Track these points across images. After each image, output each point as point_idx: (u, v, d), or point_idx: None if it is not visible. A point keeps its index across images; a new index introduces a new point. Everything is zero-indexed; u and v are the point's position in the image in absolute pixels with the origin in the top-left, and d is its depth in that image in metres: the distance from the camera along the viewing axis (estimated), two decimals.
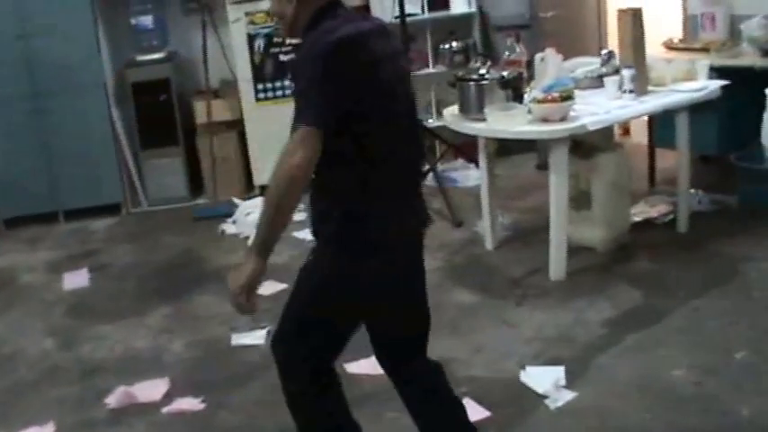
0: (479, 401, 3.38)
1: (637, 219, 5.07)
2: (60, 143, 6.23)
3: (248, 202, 5.97)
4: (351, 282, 2.65)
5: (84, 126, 6.24)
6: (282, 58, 6.21)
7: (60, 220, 6.36)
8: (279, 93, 6.23)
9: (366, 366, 3.55)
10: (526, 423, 3.30)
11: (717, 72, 4.94)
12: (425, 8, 6.55)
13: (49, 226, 6.27)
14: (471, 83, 4.50)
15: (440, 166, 6.13)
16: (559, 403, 3.38)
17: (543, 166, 5.50)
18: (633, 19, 4.55)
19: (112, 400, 3.76)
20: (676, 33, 5.98)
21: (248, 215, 5.68)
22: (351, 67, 2.44)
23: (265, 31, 6.19)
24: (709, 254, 4.58)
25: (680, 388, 3.40)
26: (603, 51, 4.95)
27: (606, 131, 4.66)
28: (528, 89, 4.55)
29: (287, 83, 6.23)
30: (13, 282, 5.36)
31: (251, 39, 6.25)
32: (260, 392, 3.70)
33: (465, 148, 6.06)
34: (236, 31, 6.26)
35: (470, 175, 6.17)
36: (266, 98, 6.30)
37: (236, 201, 6.13)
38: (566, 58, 4.84)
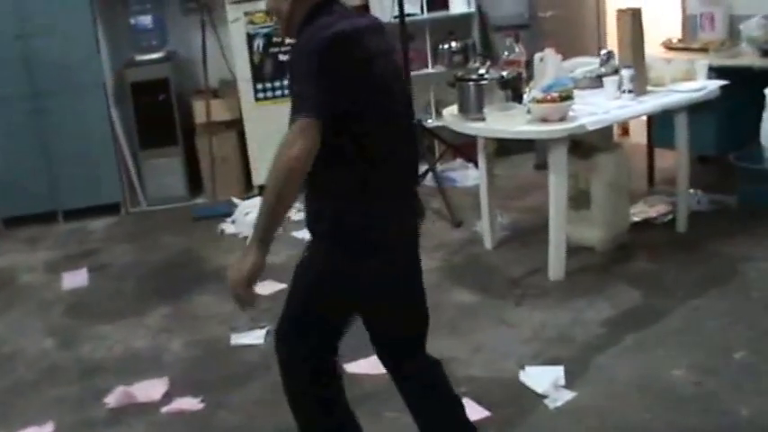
0: (479, 401, 3.38)
1: (636, 219, 5.07)
2: (59, 143, 6.23)
3: (247, 202, 5.98)
4: (351, 281, 2.66)
5: (84, 126, 6.24)
6: (282, 57, 6.20)
7: (59, 219, 6.36)
8: (278, 92, 6.23)
9: (365, 366, 3.56)
10: (525, 423, 3.30)
11: (716, 72, 4.95)
12: (424, 8, 6.55)
13: (48, 226, 6.27)
14: (470, 83, 4.50)
15: (439, 166, 6.13)
16: (559, 403, 3.38)
17: (542, 166, 5.49)
18: (632, 19, 4.55)
19: (112, 400, 3.76)
20: (675, 33, 5.98)
21: (247, 215, 5.67)
22: (346, 62, 2.45)
23: (264, 30, 6.19)
24: (708, 254, 4.59)
25: (679, 388, 3.40)
26: (602, 51, 4.95)
27: (605, 131, 4.66)
28: (527, 89, 4.55)
29: (286, 83, 6.21)
30: (13, 281, 5.36)
31: (250, 38, 6.25)
32: (259, 392, 3.70)
33: (464, 147, 6.06)
34: (236, 30, 6.25)
35: (469, 175, 6.18)
36: (265, 98, 6.30)
37: (236, 200, 6.13)
38: (565, 58, 4.85)
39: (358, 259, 2.63)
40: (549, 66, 4.61)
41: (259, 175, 6.26)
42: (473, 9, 6.60)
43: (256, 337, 4.18)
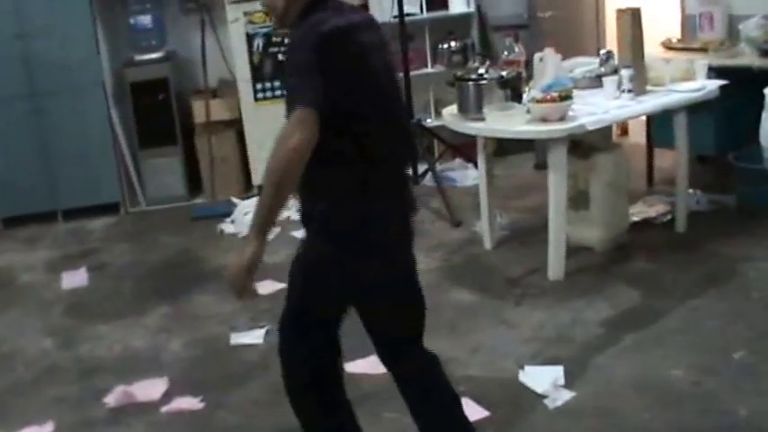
0: (478, 401, 3.38)
1: (635, 219, 5.07)
2: (59, 143, 6.23)
3: (247, 202, 5.98)
4: (352, 281, 2.68)
5: (83, 126, 6.24)
6: (281, 57, 6.20)
7: (59, 219, 6.35)
8: (277, 92, 6.22)
9: (365, 366, 3.56)
10: (525, 423, 3.31)
11: (715, 72, 4.95)
12: (424, 8, 6.55)
13: (47, 225, 6.27)
14: (470, 83, 4.50)
15: (438, 166, 6.14)
16: (558, 403, 3.38)
17: (541, 166, 5.50)
18: (632, 19, 4.55)
19: (111, 400, 3.76)
20: (675, 33, 5.98)
21: (246, 215, 5.67)
22: (343, 56, 2.47)
23: (264, 30, 6.19)
24: (707, 254, 4.59)
25: (678, 388, 3.40)
26: (602, 51, 4.95)
27: (604, 131, 4.66)
28: (527, 89, 4.55)
29: None
30: (12, 281, 5.36)
31: (249, 38, 6.25)
32: (259, 392, 3.70)
33: (463, 147, 6.06)
34: (235, 30, 6.26)
35: (469, 175, 6.18)
36: (265, 98, 6.30)
37: (235, 200, 6.13)
38: (564, 57, 4.85)
39: (359, 259, 2.64)
40: (549, 66, 4.62)
41: (258, 175, 6.25)
42: (472, 9, 6.60)
43: (256, 336, 4.18)
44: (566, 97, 4.27)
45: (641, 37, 4.61)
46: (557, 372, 3.57)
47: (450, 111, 4.75)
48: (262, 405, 3.60)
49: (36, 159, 6.25)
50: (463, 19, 6.66)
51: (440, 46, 6.61)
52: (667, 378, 3.48)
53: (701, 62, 4.90)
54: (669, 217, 5.06)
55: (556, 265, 4.45)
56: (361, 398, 3.23)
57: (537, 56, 4.76)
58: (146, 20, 6.41)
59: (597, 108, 4.42)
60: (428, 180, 6.04)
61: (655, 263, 4.57)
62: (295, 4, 2.58)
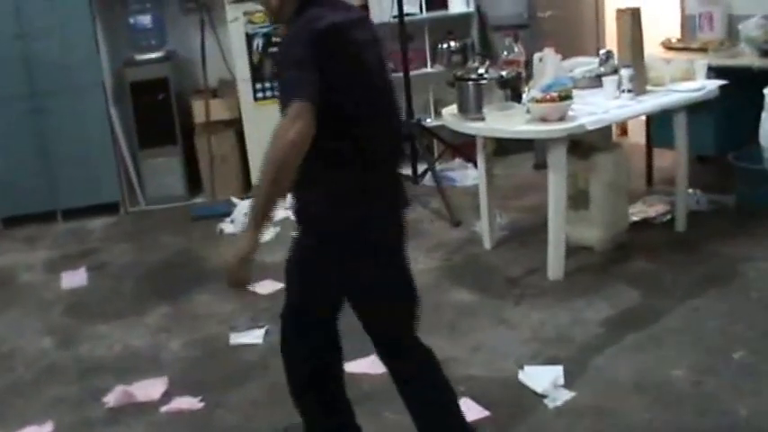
0: (478, 401, 3.38)
1: (635, 218, 5.07)
2: (59, 142, 6.22)
3: (246, 202, 5.97)
4: (352, 281, 2.69)
5: (83, 125, 6.23)
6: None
7: (58, 219, 6.35)
8: (277, 92, 6.20)
9: (365, 366, 3.56)
10: (525, 422, 3.30)
11: (715, 72, 4.95)
12: (423, 8, 6.55)
13: (47, 225, 6.26)
14: (470, 82, 4.50)
15: (438, 166, 6.13)
16: (558, 403, 3.38)
17: (541, 166, 5.50)
18: (632, 19, 4.55)
19: (111, 400, 3.76)
20: (674, 33, 5.98)
21: (246, 214, 5.67)
22: (337, 53, 2.49)
23: (264, 30, 6.19)
24: (707, 254, 4.59)
25: (678, 388, 3.40)
26: (602, 51, 4.95)
27: (604, 131, 4.66)
28: (526, 89, 4.55)
29: None
30: (12, 281, 5.35)
31: (249, 38, 6.25)
32: (258, 392, 3.70)
33: (463, 147, 6.06)
34: (235, 30, 6.25)
35: (468, 175, 6.18)
36: (264, 98, 6.29)
37: (235, 200, 6.13)
38: (564, 57, 4.85)
39: (359, 259, 2.65)
40: (549, 65, 4.62)
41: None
42: (472, 9, 6.60)
43: (255, 336, 4.18)
44: (565, 97, 4.27)
45: (641, 37, 4.61)
46: (556, 371, 3.56)
47: (450, 110, 4.75)
48: (261, 405, 3.60)
49: (36, 159, 6.25)
50: (463, 19, 6.66)
51: (439, 46, 6.61)
52: (667, 378, 3.47)
53: (701, 62, 4.90)
54: (669, 217, 5.06)
55: (555, 265, 4.45)
56: (361, 398, 3.23)
57: (537, 56, 4.76)
58: (145, 19, 6.41)
59: (597, 108, 4.42)
60: (428, 180, 6.04)
61: (654, 263, 4.56)
62: (290, 1, 2.59)
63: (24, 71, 6.09)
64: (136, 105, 6.37)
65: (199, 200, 6.55)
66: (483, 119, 4.39)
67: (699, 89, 4.70)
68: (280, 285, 4.08)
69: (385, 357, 2.88)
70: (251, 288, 4.56)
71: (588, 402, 3.37)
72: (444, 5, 6.60)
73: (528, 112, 4.33)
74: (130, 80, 6.35)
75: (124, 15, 6.44)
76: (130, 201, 6.52)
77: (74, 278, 5.25)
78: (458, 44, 6.58)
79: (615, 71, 4.64)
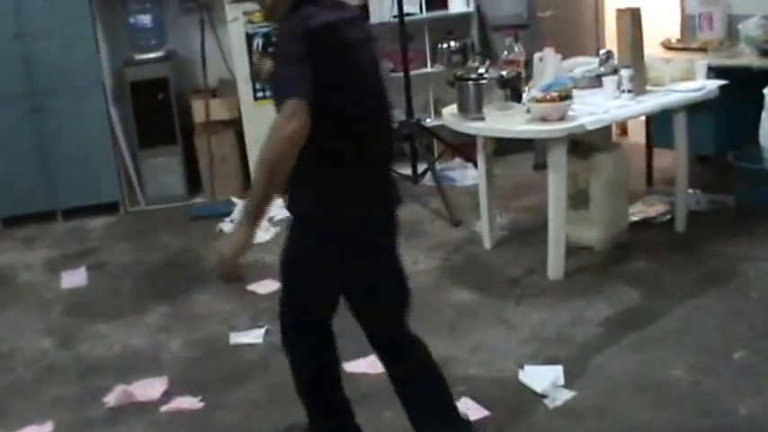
0: (478, 401, 3.38)
1: (634, 218, 5.07)
2: (59, 142, 6.22)
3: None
4: (352, 281, 2.70)
5: (83, 125, 6.23)
6: None
7: (58, 218, 6.35)
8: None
9: (364, 366, 3.56)
10: (525, 422, 3.30)
11: (714, 72, 4.95)
12: (423, 7, 6.54)
13: (47, 225, 6.26)
14: (470, 82, 4.50)
15: (438, 166, 6.13)
16: (558, 403, 3.38)
17: (541, 166, 5.50)
18: (631, 19, 4.55)
19: (111, 399, 3.76)
20: (674, 33, 5.98)
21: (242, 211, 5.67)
22: (331, 51, 2.50)
23: (264, 30, 6.19)
24: (707, 254, 4.59)
25: (678, 388, 3.40)
26: (602, 51, 4.95)
27: (604, 131, 4.66)
28: (526, 89, 4.55)
29: None
30: (12, 280, 5.35)
31: (249, 38, 6.25)
32: (258, 391, 3.70)
33: (463, 147, 6.06)
34: (235, 30, 6.25)
35: (468, 175, 6.18)
36: (264, 97, 6.28)
37: (234, 200, 6.13)
38: (564, 57, 4.85)
39: (360, 259, 2.66)
40: (549, 65, 4.62)
41: None
42: (472, 9, 6.60)
43: (255, 336, 4.18)
44: (565, 97, 4.27)
45: (641, 37, 4.61)
46: (556, 371, 3.56)
47: (450, 110, 4.75)
48: (261, 405, 3.60)
49: (36, 159, 6.25)
50: (463, 19, 6.66)
51: (439, 46, 6.61)
52: (667, 378, 3.48)
53: (701, 62, 4.90)
54: (669, 217, 5.06)
55: (555, 265, 4.45)
56: (360, 398, 3.23)
57: (537, 55, 4.76)
58: (145, 19, 6.41)
59: (597, 108, 4.42)
60: (428, 180, 6.04)
61: (654, 263, 4.56)
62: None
63: (24, 71, 6.09)
64: (136, 105, 6.36)
65: (199, 200, 6.55)
66: (483, 119, 4.39)
67: (699, 89, 4.71)
68: (279, 285, 4.10)
69: (385, 361, 2.90)
70: (251, 288, 4.59)
71: (588, 402, 3.37)
72: (444, 5, 6.60)
73: (528, 111, 4.33)
74: (130, 80, 6.34)
75: (124, 15, 6.44)
76: (130, 200, 6.52)
77: (74, 278, 5.25)
78: (458, 44, 6.58)
79: (615, 71, 4.64)
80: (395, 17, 5.97)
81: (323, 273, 2.69)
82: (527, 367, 3.64)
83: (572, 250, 4.56)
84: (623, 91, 4.52)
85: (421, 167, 6.14)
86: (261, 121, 6.11)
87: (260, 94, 6.30)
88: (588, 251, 4.71)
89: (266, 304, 4.32)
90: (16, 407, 3.81)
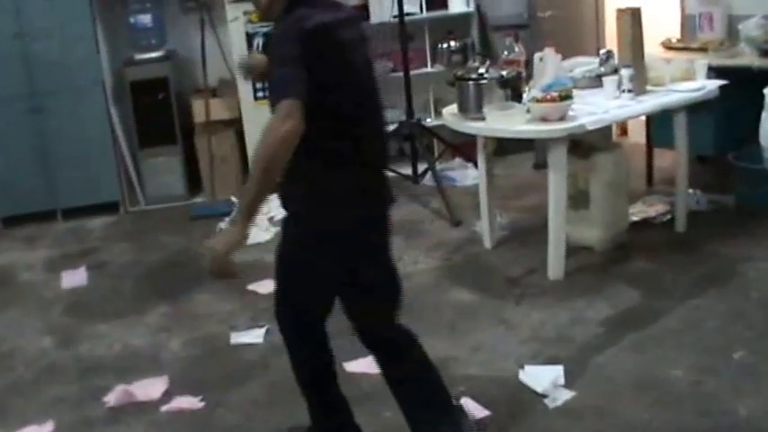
0: (478, 401, 3.38)
1: (635, 218, 5.07)
2: (59, 142, 6.22)
3: None
4: (352, 280, 2.72)
5: (83, 125, 6.23)
6: None
7: (58, 218, 6.35)
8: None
9: (364, 366, 3.56)
10: (525, 422, 3.30)
11: (715, 72, 4.95)
12: (424, 7, 6.54)
13: (47, 224, 6.27)
14: (470, 82, 4.50)
15: (438, 166, 6.13)
16: (558, 402, 3.38)
17: (541, 166, 5.50)
18: (632, 18, 4.55)
19: (111, 399, 3.76)
20: (674, 33, 5.98)
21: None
22: (325, 52, 2.51)
23: (264, 29, 6.19)
24: (707, 254, 4.59)
25: (678, 388, 3.41)
26: (602, 51, 4.95)
27: (604, 131, 4.66)
28: (527, 88, 4.55)
29: None
30: (12, 280, 5.35)
31: (249, 37, 6.25)
32: (258, 391, 3.70)
33: (463, 147, 6.06)
34: (235, 29, 6.26)
35: (469, 175, 6.18)
36: (264, 97, 6.27)
37: (235, 199, 6.12)
38: (564, 57, 4.85)
39: (360, 258, 2.68)
40: (549, 65, 4.62)
41: None
42: (472, 8, 6.60)
43: (256, 335, 4.18)
44: (566, 97, 4.27)
45: (641, 37, 4.61)
46: (557, 371, 3.57)
47: (451, 110, 4.75)
48: (261, 404, 3.60)
49: (36, 159, 6.25)
50: (463, 18, 6.66)
51: (440, 45, 6.61)
52: (667, 378, 3.48)
53: (701, 62, 4.90)
54: (669, 217, 5.06)
55: (556, 265, 4.45)
56: (360, 397, 3.23)
57: (537, 55, 4.77)
58: (146, 19, 6.41)
59: (597, 108, 4.42)
60: (428, 179, 6.04)
61: (654, 263, 4.57)
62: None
63: (24, 71, 6.09)
64: (136, 105, 6.37)
65: (199, 199, 6.55)
66: (483, 118, 4.39)
67: (699, 89, 4.71)
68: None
69: (381, 361, 2.91)
70: (251, 287, 4.59)
71: (588, 402, 3.37)
72: (444, 5, 6.60)
73: (528, 111, 4.33)
74: (130, 80, 6.35)
75: (124, 15, 6.44)
76: (130, 200, 6.52)
77: (74, 277, 5.25)
78: (458, 44, 6.58)
79: (615, 71, 4.64)
80: (395, 17, 5.97)
81: (319, 272, 2.70)
82: (527, 367, 3.64)
83: (572, 250, 4.56)
84: (623, 91, 4.52)
85: (421, 167, 6.14)
86: (261, 121, 6.01)
87: (260, 94, 6.29)
88: (588, 251, 4.71)
89: (266, 304, 4.29)
90: (16, 406, 3.82)
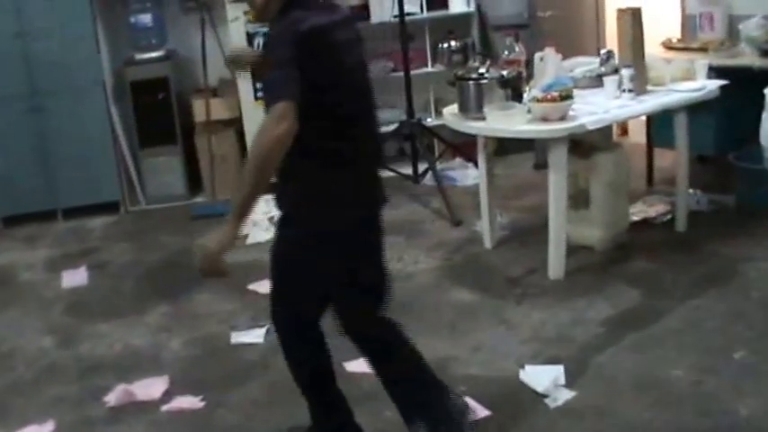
0: (478, 401, 3.38)
1: (635, 218, 5.07)
2: (59, 141, 6.22)
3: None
4: (352, 279, 2.74)
5: (83, 124, 6.23)
6: None
7: (59, 218, 6.35)
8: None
9: (365, 365, 3.55)
10: (525, 422, 3.30)
11: (715, 72, 4.95)
12: (424, 7, 6.54)
13: (47, 224, 6.27)
14: (471, 82, 4.50)
15: (439, 165, 6.13)
16: (559, 402, 3.38)
17: (541, 166, 5.50)
18: (632, 18, 4.55)
19: (112, 399, 3.76)
20: (675, 33, 5.98)
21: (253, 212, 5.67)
22: (320, 54, 2.52)
23: (264, 29, 6.18)
24: (707, 254, 4.59)
25: (679, 388, 3.41)
26: (602, 51, 4.95)
27: (605, 131, 4.66)
28: (527, 88, 4.55)
29: None
30: (12, 280, 5.35)
31: (250, 37, 6.25)
32: (259, 391, 3.70)
33: (464, 147, 6.06)
34: (235, 29, 6.25)
35: (469, 175, 6.18)
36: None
37: None
38: (565, 57, 4.85)
39: (360, 258, 2.70)
40: (549, 65, 4.62)
41: None
42: (472, 8, 6.59)
43: (256, 335, 4.18)
44: (566, 97, 4.27)
45: (642, 37, 4.61)
46: (557, 371, 3.57)
47: (451, 110, 4.75)
48: (262, 404, 3.60)
49: (36, 158, 6.25)
50: (463, 18, 6.65)
51: (440, 45, 6.61)
52: (668, 378, 3.48)
53: (702, 62, 4.90)
54: (669, 217, 5.06)
55: (556, 265, 4.45)
56: (361, 397, 3.23)
57: (537, 55, 4.77)
58: (146, 19, 6.41)
59: (598, 108, 4.42)
60: (428, 179, 6.04)
61: (655, 263, 4.56)
62: (274, 0, 2.61)
63: (25, 70, 6.09)
64: (136, 105, 6.37)
65: (199, 199, 6.55)
66: (484, 118, 4.39)
67: (699, 89, 4.71)
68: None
69: (374, 361, 2.93)
70: (252, 287, 4.59)
71: (589, 402, 3.37)
72: (445, 5, 6.59)
73: (529, 111, 4.33)
74: (131, 79, 6.35)
75: (125, 15, 6.44)
76: (131, 200, 6.52)
77: (74, 277, 5.25)
78: (458, 44, 6.57)
79: (616, 71, 4.64)
80: (395, 17, 5.97)
81: (315, 272, 2.72)
82: (528, 367, 3.64)
83: (572, 250, 4.56)
84: (624, 91, 4.52)
85: (422, 167, 6.14)
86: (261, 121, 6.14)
87: (260, 94, 6.29)
88: (589, 251, 4.71)
89: (267, 304, 4.26)
90: (17, 406, 3.82)
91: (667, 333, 3.83)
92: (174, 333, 4.36)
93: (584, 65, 4.95)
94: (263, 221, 5.44)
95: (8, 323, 4.71)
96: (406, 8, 6.03)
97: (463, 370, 3.66)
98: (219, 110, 6.42)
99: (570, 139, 4.32)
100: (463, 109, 4.57)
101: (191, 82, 6.64)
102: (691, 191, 5.09)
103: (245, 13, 6.18)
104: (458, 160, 6.46)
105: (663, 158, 5.63)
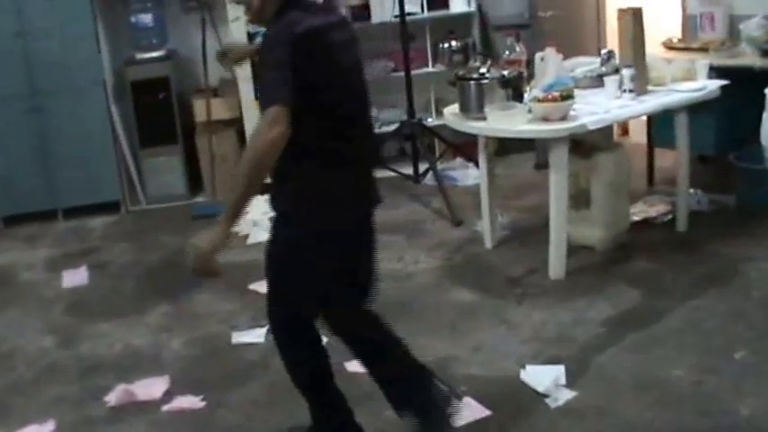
0: (479, 400, 3.38)
1: (636, 218, 5.07)
2: (59, 141, 6.22)
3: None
4: (351, 279, 2.76)
5: (84, 124, 6.23)
6: None
7: (59, 218, 6.35)
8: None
9: None
10: (526, 422, 3.30)
11: (716, 72, 4.95)
12: (425, 7, 6.54)
13: (47, 224, 6.27)
14: (471, 82, 4.50)
15: (439, 165, 6.13)
16: (559, 402, 3.38)
17: (542, 166, 5.50)
18: (633, 18, 4.55)
19: (112, 398, 3.76)
20: (676, 33, 5.98)
21: (246, 213, 5.66)
22: (316, 55, 2.54)
23: (265, 29, 6.17)
24: (708, 254, 4.59)
25: (679, 388, 3.40)
26: (603, 51, 4.95)
27: (606, 131, 4.66)
28: (528, 88, 4.55)
29: None
30: (12, 279, 5.35)
31: (250, 37, 6.23)
32: (259, 391, 3.70)
33: (465, 147, 6.06)
34: (236, 29, 6.25)
35: (470, 174, 6.18)
36: None
37: None
38: (565, 57, 4.85)
39: (359, 257, 2.71)
40: (550, 65, 4.62)
41: None
42: (473, 8, 6.60)
43: (257, 335, 4.18)
44: (567, 97, 4.27)
45: (642, 37, 4.61)
46: (558, 371, 3.56)
47: (452, 110, 4.75)
48: (262, 404, 3.60)
49: (36, 158, 6.25)
50: (464, 18, 6.66)
51: (441, 45, 6.61)
52: (668, 378, 3.48)
53: (702, 62, 4.90)
54: (670, 217, 5.06)
55: (557, 265, 4.45)
56: (361, 397, 3.23)
57: (538, 55, 4.77)
58: (147, 18, 6.41)
59: (598, 108, 4.42)
60: (429, 179, 6.04)
61: (655, 263, 4.56)
62: (270, 2, 2.62)
63: (25, 70, 6.09)
64: (137, 104, 6.37)
65: (199, 199, 6.55)
66: (484, 118, 4.39)
67: (700, 89, 4.71)
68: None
69: (367, 362, 2.94)
70: (252, 287, 4.59)
71: (589, 402, 3.37)
72: (445, 5, 6.60)
73: (529, 111, 4.33)
74: (131, 79, 6.35)
75: (125, 14, 6.44)
76: (131, 200, 6.52)
77: (75, 277, 5.25)
78: (459, 44, 6.58)
79: (616, 71, 4.64)
80: (396, 17, 5.97)
81: (310, 272, 2.73)
82: (528, 367, 3.64)
83: (573, 250, 4.56)
84: (625, 91, 4.52)
85: (422, 167, 6.14)
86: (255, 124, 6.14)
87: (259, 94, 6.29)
88: (589, 251, 4.71)
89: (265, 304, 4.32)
90: (17, 406, 3.82)
91: (668, 333, 3.83)
92: (175, 333, 4.36)
93: (585, 65, 4.95)
94: (263, 221, 5.44)
95: (8, 323, 4.71)
96: (407, 8, 6.03)
97: (464, 370, 3.65)
98: (220, 110, 6.41)
99: (571, 139, 4.32)
100: (464, 109, 4.57)
101: (191, 82, 6.64)
102: (691, 191, 5.09)
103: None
104: (458, 160, 6.46)
105: (663, 158, 5.63)
